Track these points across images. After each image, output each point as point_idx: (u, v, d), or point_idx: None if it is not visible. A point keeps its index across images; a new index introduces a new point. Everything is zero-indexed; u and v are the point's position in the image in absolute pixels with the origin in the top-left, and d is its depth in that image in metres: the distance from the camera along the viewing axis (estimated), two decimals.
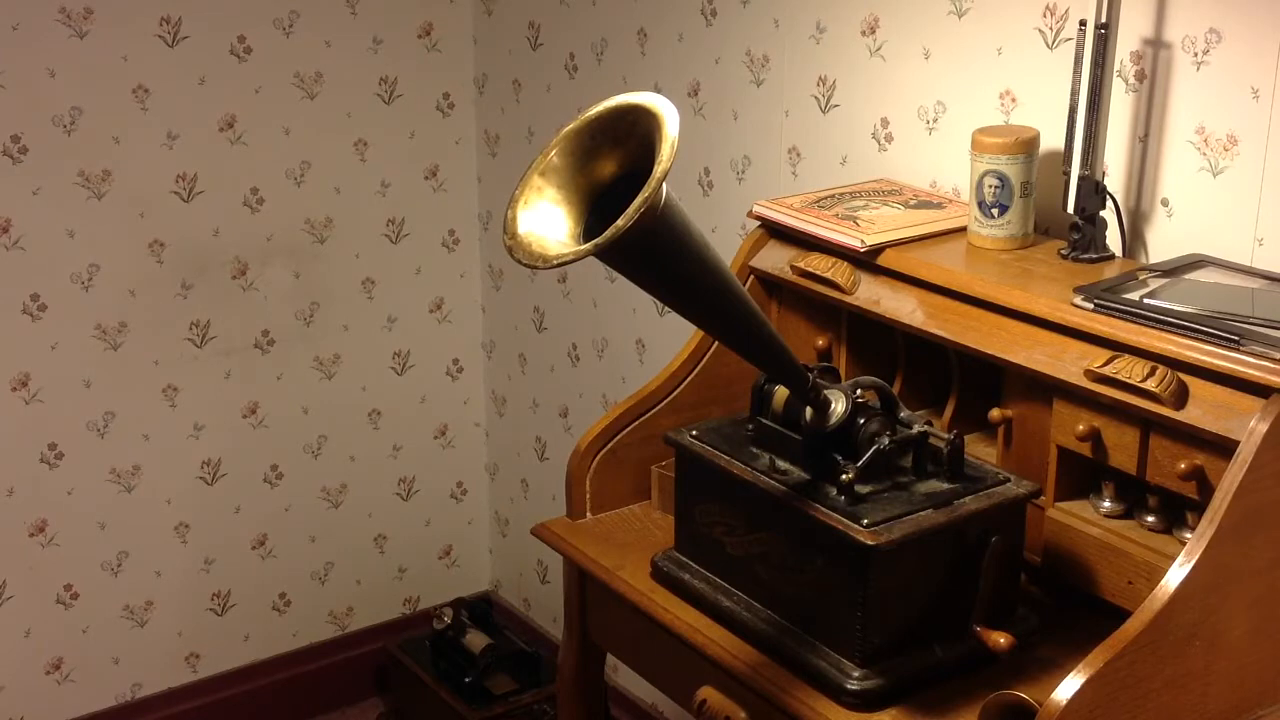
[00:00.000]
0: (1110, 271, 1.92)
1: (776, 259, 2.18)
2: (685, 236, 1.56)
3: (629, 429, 2.19)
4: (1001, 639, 1.72)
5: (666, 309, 2.92)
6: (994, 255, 2.01)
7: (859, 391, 1.79)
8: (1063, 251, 1.99)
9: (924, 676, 1.74)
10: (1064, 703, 1.49)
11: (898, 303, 2.00)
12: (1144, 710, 1.57)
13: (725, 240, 2.69)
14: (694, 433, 1.94)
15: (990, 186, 2.01)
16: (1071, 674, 1.51)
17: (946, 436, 1.79)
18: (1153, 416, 1.70)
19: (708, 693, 1.89)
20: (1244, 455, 1.58)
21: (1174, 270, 1.85)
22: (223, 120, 3.09)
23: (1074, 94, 1.94)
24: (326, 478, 3.44)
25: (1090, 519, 1.83)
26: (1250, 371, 1.61)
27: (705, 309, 1.68)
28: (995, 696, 1.65)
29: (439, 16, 3.30)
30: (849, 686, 1.72)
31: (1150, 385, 1.67)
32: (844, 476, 1.73)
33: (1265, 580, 1.64)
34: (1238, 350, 1.63)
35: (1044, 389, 1.84)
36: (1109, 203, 1.99)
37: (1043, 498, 1.85)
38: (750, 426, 1.91)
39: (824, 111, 2.50)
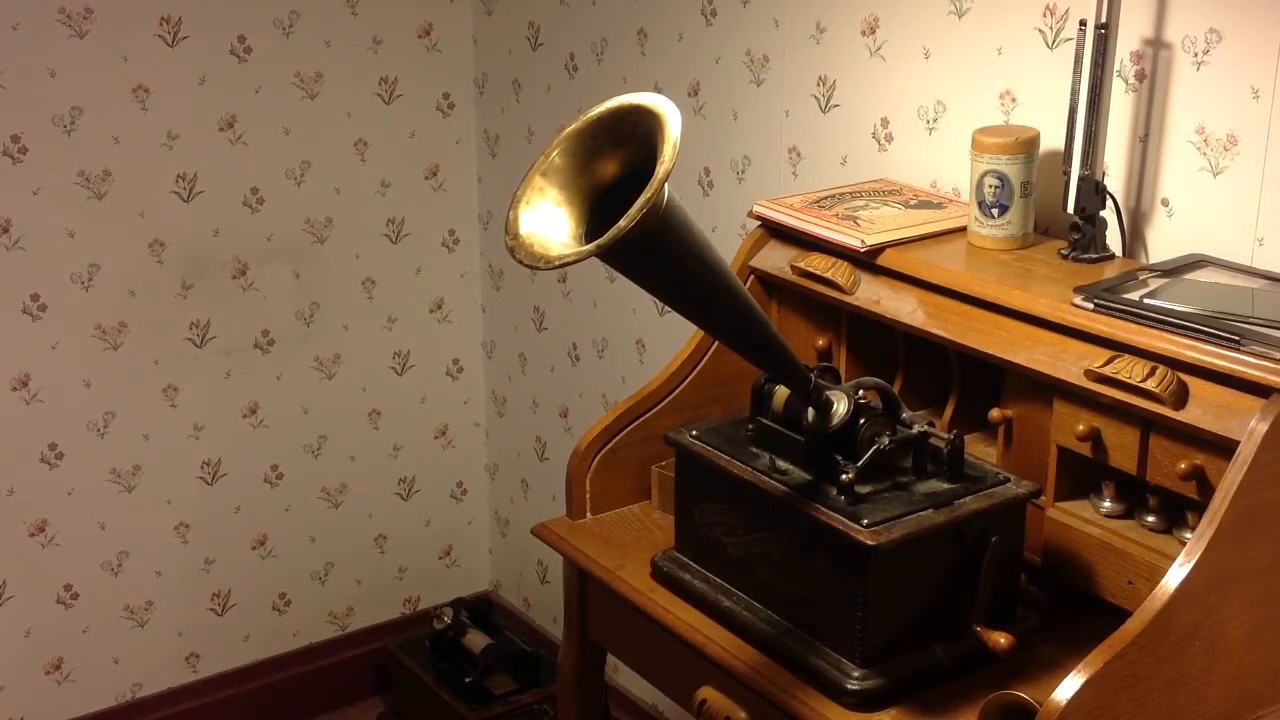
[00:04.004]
0: (1110, 271, 1.92)
1: (776, 259, 2.18)
2: (687, 237, 1.56)
3: (629, 429, 2.19)
4: (1001, 639, 1.72)
5: (666, 309, 2.92)
6: (994, 255, 2.01)
7: (860, 392, 1.79)
8: (1063, 251, 1.99)
9: (924, 676, 1.75)
10: (1064, 703, 1.50)
11: (898, 303, 2.00)
12: (1144, 710, 1.57)
13: (725, 240, 2.69)
14: (694, 433, 1.95)
15: (990, 186, 2.01)
16: (1071, 674, 1.51)
17: (946, 436, 1.80)
18: (1153, 416, 1.70)
19: (708, 693, 1.89)
20: (1244, 455, 1.58)
21: (1174, 270, 1.85)
22: (223, 120, 3.09)
23: (1074, 94, 1.94)
24: (326, 478, 3.44)
25: (1090, 519, 1.83)
26: (1250, 371, 1.61)
27: (706, 309, 1.68)
28: (995, 696, 1.65)
29: (439, 16, 3.30)
30: (849, 686, 1.72)
31: (1150, 385, 1.67)
32: (844, 477, 1.73)
33: (1265, 580, 1.64)
34: (1238, 350, 1.63)
35: (1044, 389, 1.84)
36: (1109, 203, 1.99)
37: (1043, 498, 1.85)
38: (750, 426, 1.91)
39: (824, 111, 2.50)
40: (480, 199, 3.47)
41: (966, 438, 1.85)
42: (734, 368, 2.18)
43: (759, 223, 2.23)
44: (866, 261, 2.05)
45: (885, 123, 2.39)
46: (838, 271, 2.07)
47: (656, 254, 1.54)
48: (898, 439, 1.78)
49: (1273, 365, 1.60)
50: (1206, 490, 1.67)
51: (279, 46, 3.11)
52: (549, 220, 1.55)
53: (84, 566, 3.17)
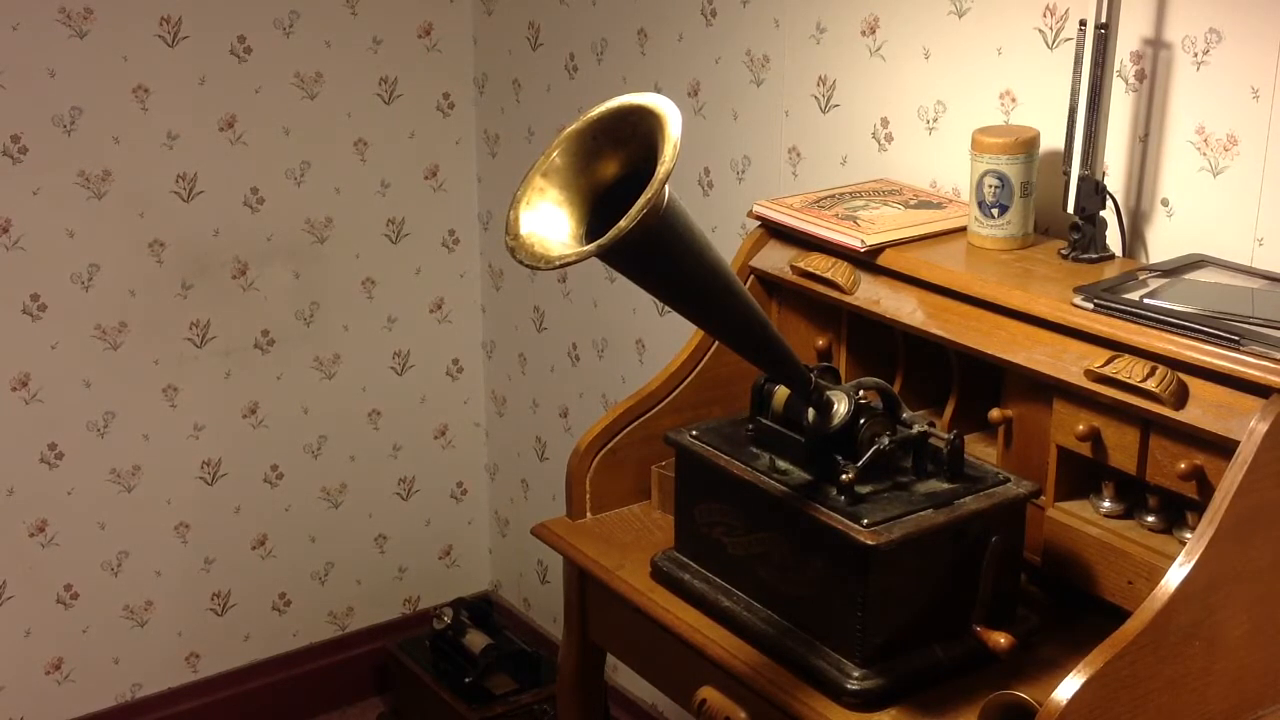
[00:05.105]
0: (1110, 271, 1.92)
1: (776, 259, 2.18)
2: (687, 237, 1.56)
3: (629, 429, 2.19)
4: (1001, 639, 1.72)
5: (666, 309, 2.92)
6: (994, 255, 2.01)
7: (861, 392, 1.80)
8: (1063, 251, 1.99)
9: (924, 676, 1.75)
10: (1064, 703, 1.50)
11: (898, 303, 2.00)
12: (1144, 710, 1.57)
13: (725, 240, 2.69)
14: (694, 433, 1.95)
15: (990, 186, 2.01)
16: (1071, 674, 1.51)
17: (946, 436, 1.80)
18: (1153, 416, 1.70)
19: (708, 693, 1.89)
20: (1244, 455, 1.58)
21: (1174, 270, 1.85)
22: (223, 120, 3.09)
23: (1074, 94, 1.94)
24: (326, 478, 3.44)
25: (1090, 519, 1.83)
26: (1250, 371, 1.61)
27: (707, 309, 1.68)
28: (995, 696, 1.65)
29: (439, 16, 3.30)
30: (849, 686, 1.72)
31: (1150, 385, 1.67)
32: (844, 477, 1.73)
33: (1265, 580, 1.64)
34: (1238, 350, 1.63)
35: (1044, 389, 1.84)
36: (1109, 203, 1.99)
37: (1043, 498, 1.86)
38: (750, 426, 1.91)
39: (824, 111, 2.50)
40: (480, 199, 3.47)
41: (966, 438, 1.85)
42: (734, 368, 2.18)
43: (759, 223, 2.23)
44: (866, 261, 2.05)
45: (885, 123, 2.39)
46: (838, 271, 2.07)
47: (657, 254, 1.54)
48: (898, 439, 1.78)
49: (1273, 365, 1.60)
50: (1206, 490, 1.67)
51: (279, 46, 3.11)
52: (549, 220, 1.55)
53: (84, 566, 3.17)
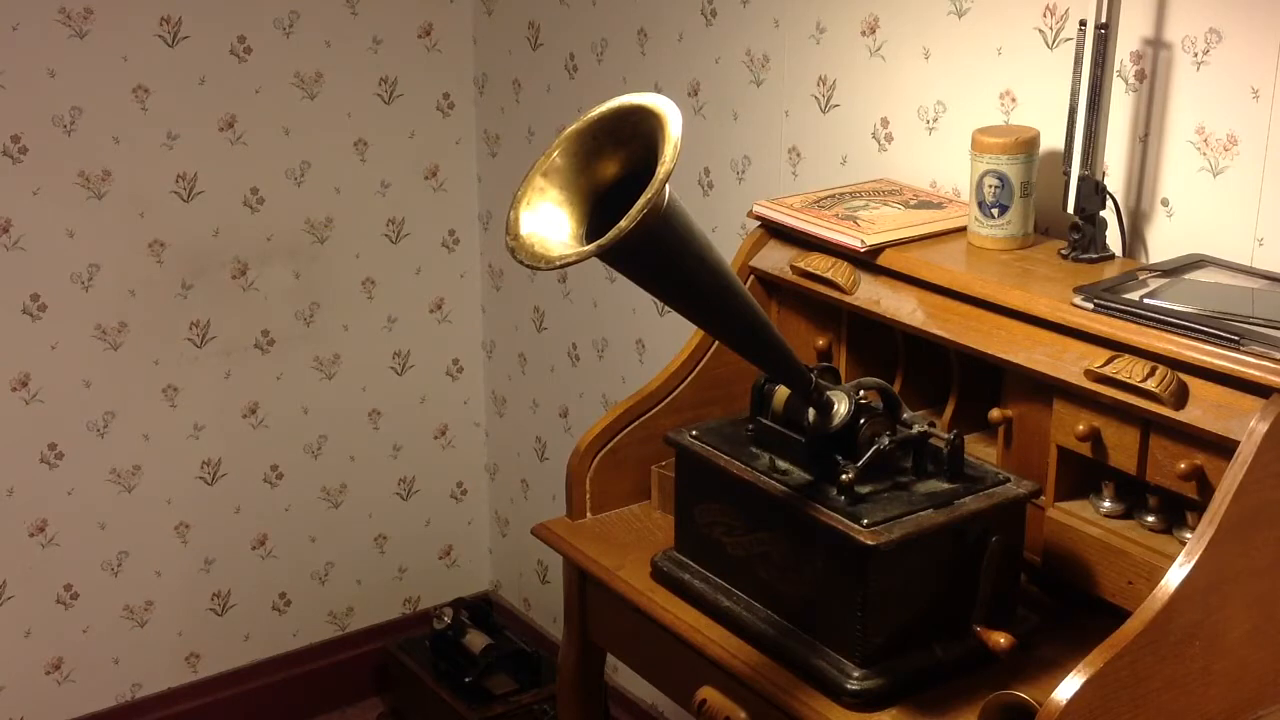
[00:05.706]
0: (1110, 271, 1.92)
1: (776, 259, 2.18)
2: (688, 237, 1.56)
3: (629, 429, 2.19)
4: (1001, 639, 1.72)
5: (666, 309, 2.92)
6: (994, 255, 2.01)
7: (861, 392, 1.80)
8: (1063, 251, 1.99)
9: (924, 676, 1.75)
10: (1064, 703, 1.50)
11: (898, 303, 2.00)
12: (1144, 710, 1.57)
13: (725, 240, 2.69)
14: (694, 433, 1.95)
15: (990, 186, 2.01)
16: (1071, 674, 1.51)
17: (946, 436, 1.80)
18: (1153, 416, 1.70)
19: (708, 693, 1.89)
20: (1244, 455, 1.58)
21: (1174, 270, 1.85)
22: (223, 120, 3.09)
23: (1074, 94, 1.94)
24: (326, 478, 3.44)
25: (1090, 519, 1.83)
26: (1250, 371, 1.61)
27: (707, 310, 1.68)
28: (995, 696, 1.65)
29: (439, 16, 3.30)
30: (849, 686, 1.72)
31: (1150, 385, 1.67)
32: (844, 477, 1.73)
33: (1265, 580, 1.64)
34: (1238, 350, 1.63)
35: (1044, 389, 1.84)
36: (1109, 203, 1.99)
37: (1043, 498, 1.86)
38: (750, 426, 1.91)
39: (824, 111, 2.50)
40: (480, 199, 3.47)
41: (966, 438, 1.85)
42: (734, 368, 2.18)
43: (759, 223, 2.23)
44: (866, 261, 2.05)
45: (885, 123, 2.39)
46: (838, 271, 2.07)
47: (657, 254, 1.54)
48: (898, 439, 1.78)
49: (1273, 365, 1.60)
50: (1206, 490, 1.67)
51: (279, 46, 3.11)
52: (550, 220, 1.55)
53: (84, 566, 3.17)
